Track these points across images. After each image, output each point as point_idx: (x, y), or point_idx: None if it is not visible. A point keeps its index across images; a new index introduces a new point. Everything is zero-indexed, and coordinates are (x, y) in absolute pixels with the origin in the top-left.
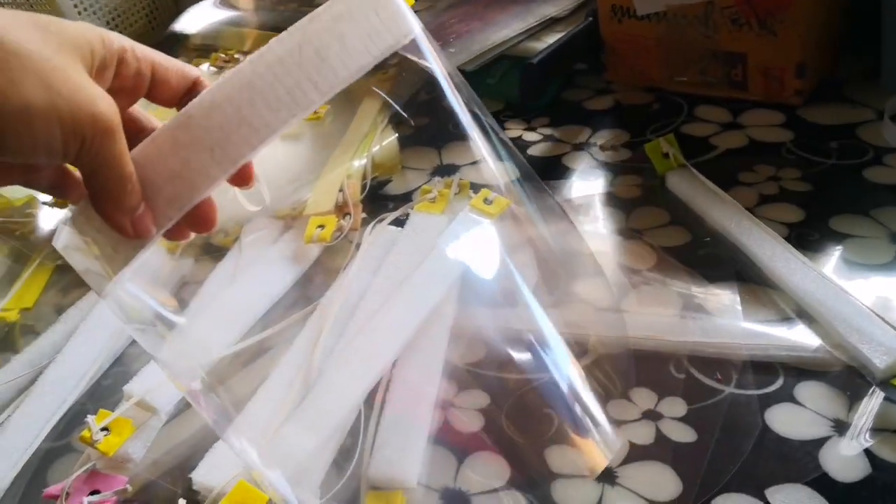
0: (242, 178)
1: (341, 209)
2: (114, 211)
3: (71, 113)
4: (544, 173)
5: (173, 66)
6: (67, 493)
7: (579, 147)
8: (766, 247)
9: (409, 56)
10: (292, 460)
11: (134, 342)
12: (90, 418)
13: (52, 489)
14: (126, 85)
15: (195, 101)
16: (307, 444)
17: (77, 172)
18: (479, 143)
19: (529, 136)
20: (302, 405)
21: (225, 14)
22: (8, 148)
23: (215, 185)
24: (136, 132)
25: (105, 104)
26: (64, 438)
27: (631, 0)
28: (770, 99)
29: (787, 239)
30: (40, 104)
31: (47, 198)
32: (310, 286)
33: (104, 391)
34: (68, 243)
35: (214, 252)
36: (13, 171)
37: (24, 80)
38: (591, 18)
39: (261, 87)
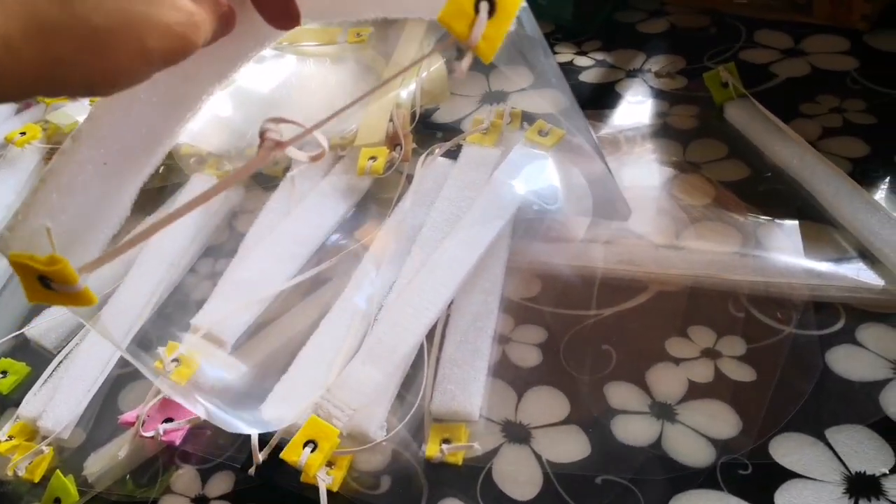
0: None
1: (391, 139)
2: None
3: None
4: (597, 101)
5: None
6: (143, 421)
7: (633, 73)
8: (828, 183)
9: None
10: (361, 394)
11: (191, 271)
12: (161, 350)
13: (128, 416)
14: None
15: None
16: (374, 379)
17: None
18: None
19: (581, 61)
20: (367, 341)
21: None
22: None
23: None
24: None
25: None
26: (132, 366)
27: None
28: (835, 23)
29: (851, 175)
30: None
31: None
32: (362, 218)
33: (166, 319)
34: None
35: (264, 182)
36: None
37: None
38: None
39: None
